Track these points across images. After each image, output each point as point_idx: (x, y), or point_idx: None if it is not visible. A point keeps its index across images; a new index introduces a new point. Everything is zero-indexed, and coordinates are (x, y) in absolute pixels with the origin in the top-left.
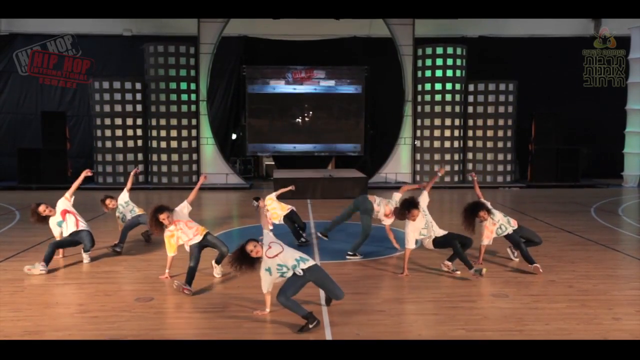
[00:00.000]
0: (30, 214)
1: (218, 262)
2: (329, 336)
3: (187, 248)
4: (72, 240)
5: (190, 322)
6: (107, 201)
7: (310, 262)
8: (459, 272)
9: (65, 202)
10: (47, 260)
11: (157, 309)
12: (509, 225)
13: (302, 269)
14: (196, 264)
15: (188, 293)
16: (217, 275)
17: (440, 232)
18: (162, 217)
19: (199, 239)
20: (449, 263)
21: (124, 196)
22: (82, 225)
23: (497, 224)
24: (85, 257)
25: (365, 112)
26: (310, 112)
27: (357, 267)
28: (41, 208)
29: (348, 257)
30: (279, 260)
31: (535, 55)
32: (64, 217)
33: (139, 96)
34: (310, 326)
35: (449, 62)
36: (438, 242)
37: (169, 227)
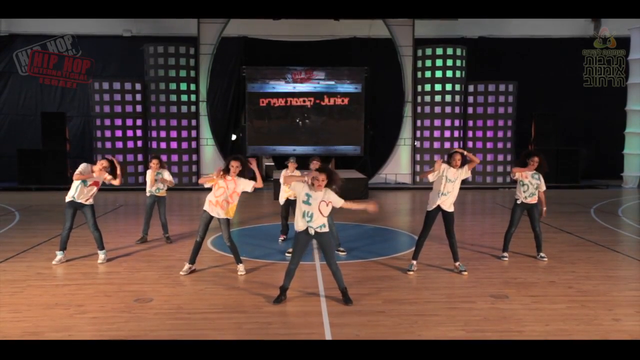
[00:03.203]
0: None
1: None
2: (329, 336)
3: (209, 205)
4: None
5: (190, 323)
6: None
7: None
8: (466, 273)
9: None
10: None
11: (157, 310)
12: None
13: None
14: (201, 240)
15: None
16: (240, 274)
17: (450, 208)
18: (235, 164)
19: (217, 211)
20: (457, 263)
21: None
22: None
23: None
24: (101, 257)
25: (365, 112)
26: (310, 113)
27: (356, 267)
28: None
29: (340, 253)
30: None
31: (535, 56)
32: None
33: (138, 97)
34: (274, 301)
35: (449, 62)
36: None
37: (226, 178)
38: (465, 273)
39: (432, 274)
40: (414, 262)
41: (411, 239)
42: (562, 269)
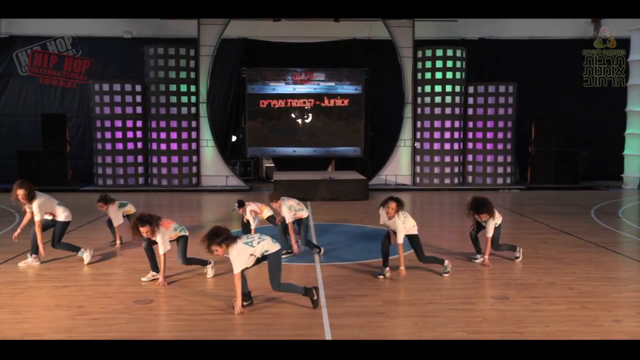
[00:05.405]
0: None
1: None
2: (329, 337)
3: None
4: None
5: (190, 324)
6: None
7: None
8: (446, 275)
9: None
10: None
11: (157, 311)
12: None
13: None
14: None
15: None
16: (209, 276)
17: (413, 231)
18: (144, 230)
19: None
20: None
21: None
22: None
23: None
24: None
25: (365, 114)
26: (310, 115)
27: (356, 269)
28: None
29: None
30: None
31: (535, 57)
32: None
33: (139, 98)
34: (315, 297)
35: (449, 64)
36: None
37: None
38: (446, 275)
39: (432, 275)
40: (386, 268)
41: None
42: (563, 270)
